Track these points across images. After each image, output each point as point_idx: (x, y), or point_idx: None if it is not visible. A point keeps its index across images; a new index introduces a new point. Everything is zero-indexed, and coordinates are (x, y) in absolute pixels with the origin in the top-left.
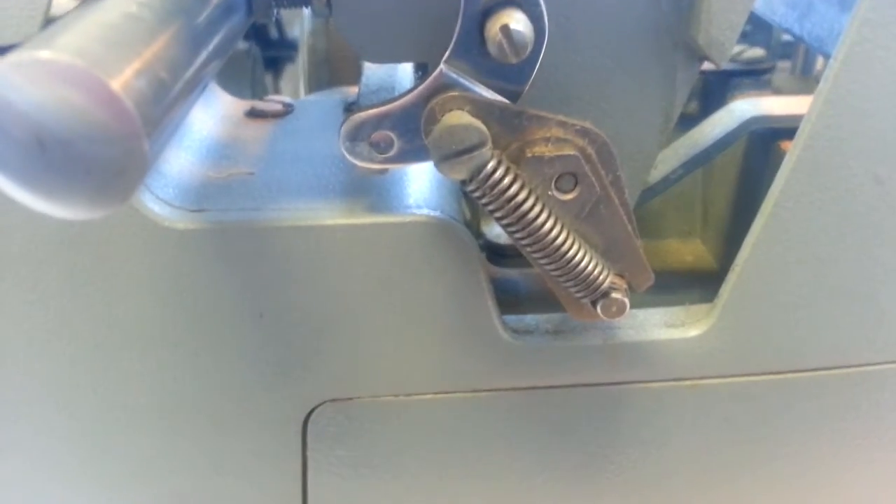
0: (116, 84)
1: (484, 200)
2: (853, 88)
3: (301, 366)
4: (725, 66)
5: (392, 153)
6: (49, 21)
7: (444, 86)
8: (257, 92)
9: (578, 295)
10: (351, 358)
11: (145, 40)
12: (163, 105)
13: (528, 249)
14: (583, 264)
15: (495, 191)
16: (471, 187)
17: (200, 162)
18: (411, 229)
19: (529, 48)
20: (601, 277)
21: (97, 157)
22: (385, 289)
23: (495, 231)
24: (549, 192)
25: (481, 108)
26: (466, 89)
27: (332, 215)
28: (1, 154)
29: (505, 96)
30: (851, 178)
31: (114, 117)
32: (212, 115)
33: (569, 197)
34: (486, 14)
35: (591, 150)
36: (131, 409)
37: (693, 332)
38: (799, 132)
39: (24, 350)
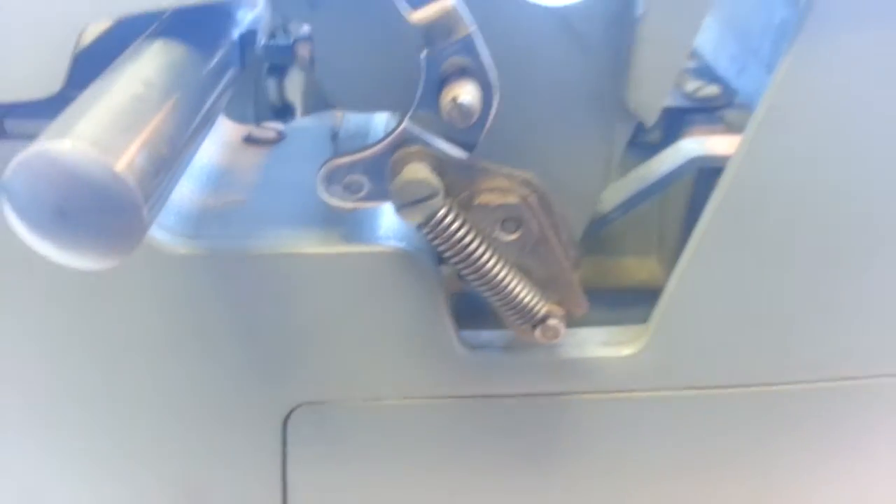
0: (122, 167)
1: (435, 242)
2: (771, 141)
3: (281, 372)
4: (683, 103)
5: (362, 194)
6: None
7: (407, 139)
8: (260, 100)
9: (518, 322)
10: (325, 366)
11: (148, 121)
12: (161, 176)
13: (475, 284)
14: (521, 296)
15: (445, 234)
16: (424, 231)
17: (200, 189)
18: (379, 259)
19: (476, 116)
20: (538, 307)
21: (105, 224)
22: (356, 309)
23: None
24: (495, 234)
25: (437, 161)
26: (426, 143)
27: (310, 244)
28: (31, 219)
29: (460, 148)
30: (769, 220)
31: (119, 194)
32: (213, 140)
33: (512, 238)
34: (444, 81)
35: (532, 199)
36: (133, 408)
37: (627, 350)
38: (723, 177)
39: (39, 358)
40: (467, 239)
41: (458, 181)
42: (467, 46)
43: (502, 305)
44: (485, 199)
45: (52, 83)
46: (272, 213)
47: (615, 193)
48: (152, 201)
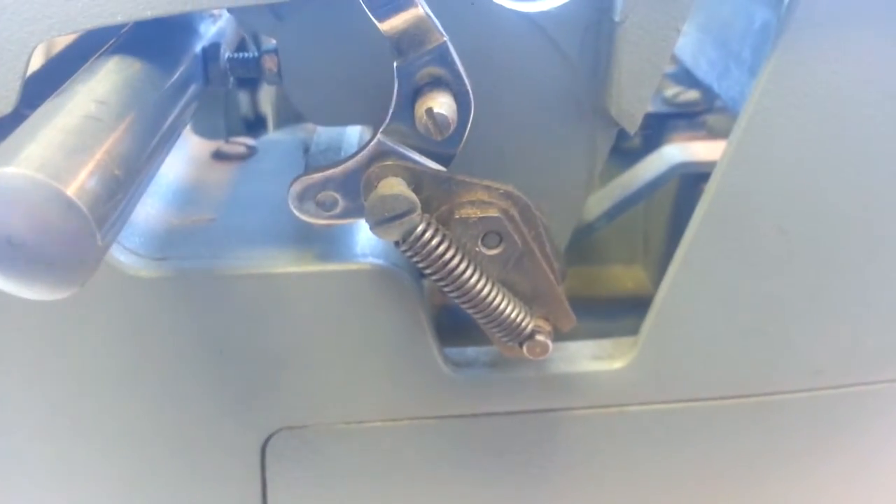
0: (72, 191)
1: (414, 259)
2: (757, 147)
3: (258, 396)
4: (663, 108)
5: (336, 211)
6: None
7: (382, 153)
8: (231, 114)
9: (504, 339)
10: (304, 389)
11: (101, 142)
12: (117, 199)
13: (458, 301)
14: (506, 313)
15: (424, 251)
16: (402, 248)
17: (166, 208)
18: (356, 277)
19: (453, 127)
20: (524, 323)
21: (57, 252)
22: (334, 329)
23: None
24: (477, 249)
25: (413, 175)
26: (401, 157)
27: (284, 263)
28: None
29: (437, 161)
30: (757, 228)
31: (70, 221)
32: (180, 157)
33: (494, 252)
34: (417, 92)
35: (513, 211)
36: (105, 436)
37: (618, 363)
38: (708, 185)
39: (5, 388)
40: (448, 255)
41: (435, 196)
42: (441, 56)
43: (487, 323)
44: (464, 213)
45: (2, 104)
46: (243, 231)
47: (599, 202)
48: (107, 227)
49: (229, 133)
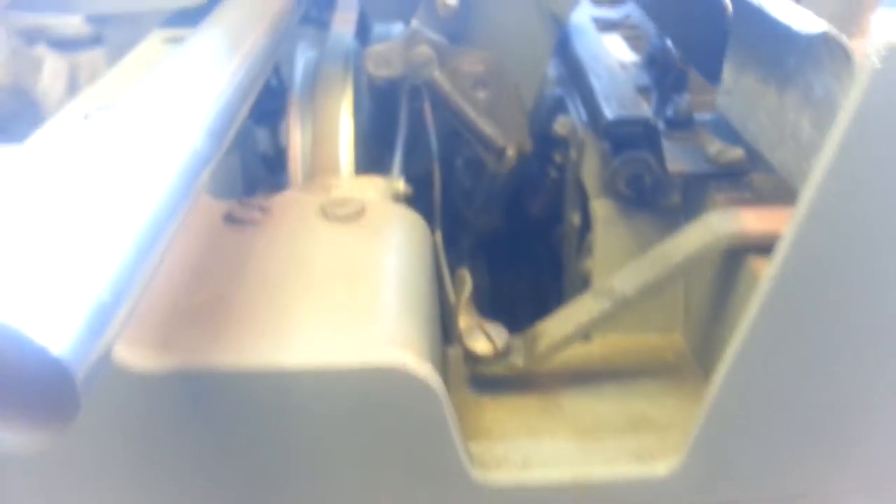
0: (57, 348)
1: (434, 95)
2: (821, 234)
3: (266, 499)
4: (706, 168)
5: (388, 71)
6: None
7: (415, 32)
8: (248, 158)
9: (487, 149)
10: (317, 495)
11: (89, 265)
12: (103, 331)
13: (458, 121)
14: (485, 129)
15: (438, 88)
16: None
17: (171, 286)
18: (375, 375)
19: (457, 11)
20: (497, 138)
21: (32, 399)
22: (350, 430)
23: (474, 339)
24: (470, 91)
25: (433, 45)
26: (426, 35)
27: (297, 358)
28: None
29: (449, 39)
30: (820, 320)
31: (45, 369)
32: (187, 223)
33: (482, 94)
34: None
35: (492, 70)
36: None
37: (662, 466)
38: (766, 276)
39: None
40: (449, 87)
41: (446, 58)
42: None
43: (475, 137)
44: (464, 69)
45: None
46: (252, 315)
47: (638, 272)
48: (88, 369)
49: (246, 177)
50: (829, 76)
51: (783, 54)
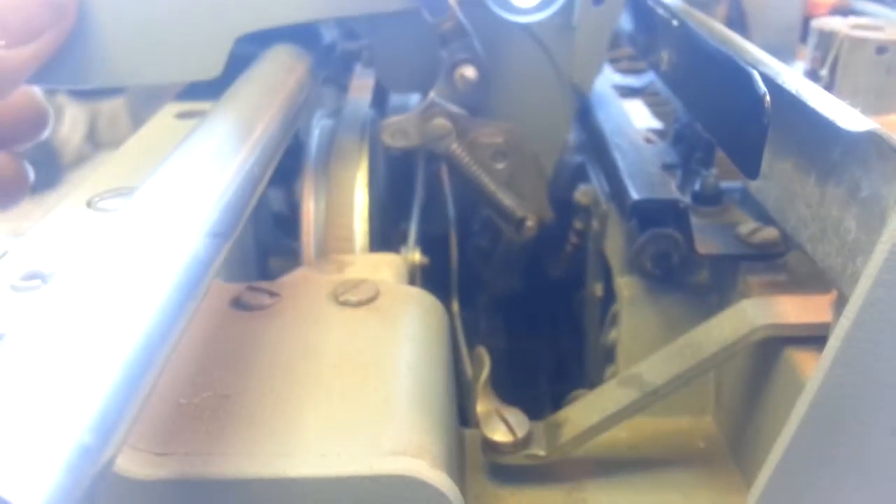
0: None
1: (451, 166)
2: (869, 340)
3: None
4: (738, 250)
5: (405, 142)
6: None
7: (431, 104)
8: (261, 224)
9: (505, 220)
10: None
11: (69, 404)
12: (85, 476)
13: (477, 193)
14: (505, 201)
15: (456, 160)
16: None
17: (175, 379)
18: (389, 484)
19: (475, 84)
20: (516, 209)
21: None
22: None
23: (493, 429)
24: (489, 163)
25: (451, 117)
26: (443, 106)
27: (303, 465)
28: None
29: (468, 111)
30: (867, 431)
31: None
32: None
33: (501, 166)
34: (454, 66)
35: (512, 141)
36: None
37: None
38: (810, 383)
39: None
40: (468, 161)
41: (465, 130)
42: (469, 44)
43: (494, 209)
44: (482, 140)
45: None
46: (259, 415)
47: (667, 363)
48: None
49: (258, 239)
50: (878, 177)
51: (825, 145)
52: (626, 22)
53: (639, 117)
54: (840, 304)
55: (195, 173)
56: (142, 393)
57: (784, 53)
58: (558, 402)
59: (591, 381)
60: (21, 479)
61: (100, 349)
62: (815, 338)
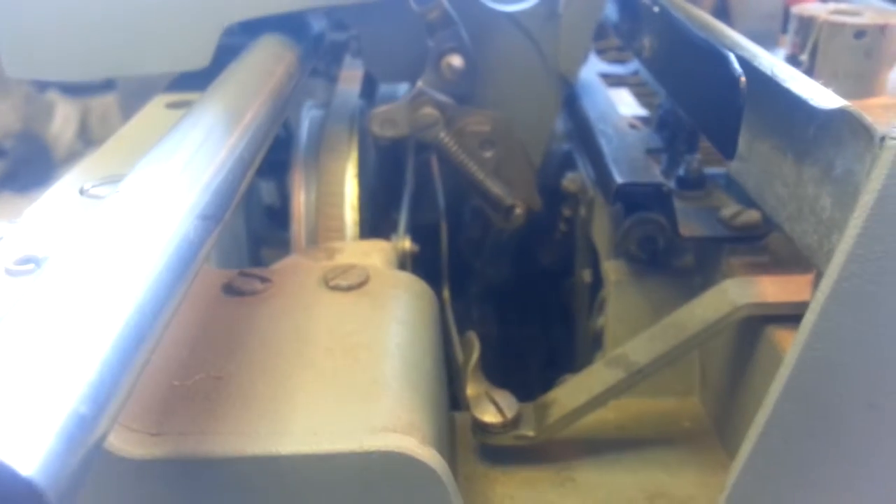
0: (26, 468)
1: (440, 155)
2: (845, 315)
3: None
4: (721, 232)
5: (394, 132)
6: None
7: (420, 93)
8: (253, 212)
9: (494, 208)
10: None
11: (64, 375)
12: (81, 446)
13: (466, 181)
14: (494, 190)
15: (444, 149)
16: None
17: (168, 361)
18: (379, 460)
19: (462, 72)
20: (506, 198)
21: None
22: None
23: (482, 410)
24: (477, 151)
25: (439, 105)
26: (431, 95)
27: (294, 442)
28: None
29: (456, 100)
30: (845, 403)
31: (21, 496)
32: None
33: (489, 154)
34: (441, 55)
35: (500, 129)
36: None
37: None
38: (788, 357)
39: None
40: (456, 149)
41: (453, 118)
42: (456, 33)
43: (482, 197)
44: (470, 129)
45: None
46: (252, 396)
47: (650, 342)
48: (64, 487)
49: (250, 230)
50: (851, 155)
51: (800, 125)
52: (611, 12)
53: (624, 105)
54: (817, 280)
55: (185, 159)
56: (135, 368)
57: (766, 41)
58: (548, 388)
59: (581, 366)
60: (20, 444)
61: (93, 326)
62: (795, 316)
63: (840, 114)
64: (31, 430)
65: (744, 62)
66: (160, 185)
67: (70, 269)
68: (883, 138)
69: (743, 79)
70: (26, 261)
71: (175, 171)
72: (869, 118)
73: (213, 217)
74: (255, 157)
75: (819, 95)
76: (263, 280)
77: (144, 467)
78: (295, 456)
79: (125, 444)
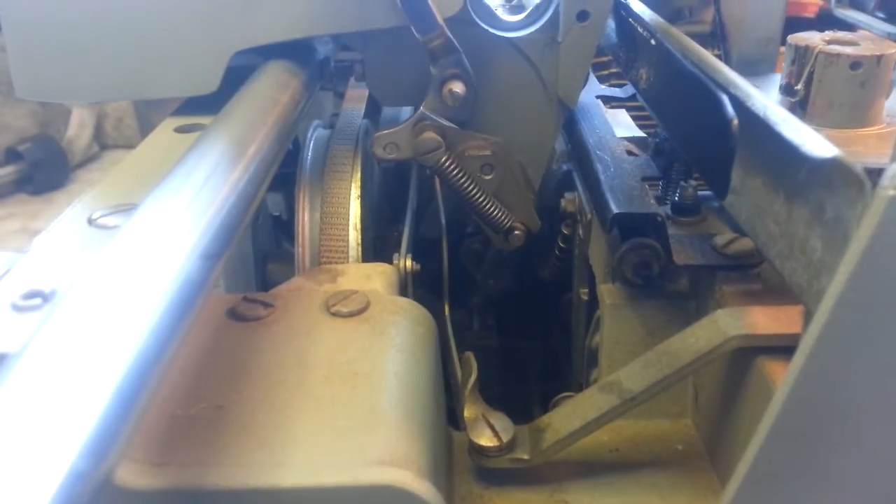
0: None
1: (441, 178)
2: (834, 355)
3: None
4: (714, 261)
5: (395, 154)
6: None
7: (422, 118)
8: (261, 225)
9: (494, 230)
10: None
11: (63, 430)
12: (82, 497)
13: (467, 206)
14: (494, 212)
15: (448, 174)
16: (434, 171)
17: (171, 390)
18: (375, 494)
19: (464, 99)
20: (504, 219)
21: None
22: None
23: (478, 433)
24: (479, 175)
25: (440, 130)
26: (433, 120)
27: (292, 475)
28: None
29: (457, 125)
30: (832, 441)
31: None
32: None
33: (489, 177)
34: (444, 82)
35: (500, 153)
36: None
37: None
38: (777, 395)
39: None
40: (458, 173)
41: (454, 143)
42: (457, 60)
43: (483, 219)
44: (471, 152)
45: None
46: (252, 426)
47: (645, 371)
48: None
49: (257, 248)
50: (842, 201)
51: (792, 167)
52: (612, 39)
53: (623, 127)
54: (807, 318)
55: (190, 195)
56: (135, 415)
57: (763, 65)
58: (547, 399)
59: (578, 381)
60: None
61: (94, 374)
62: (786, 347)
63: (832, 163)
64: (30, 486)
65: (737, 102)
66: (164, 225)
67: (74, 311)
68: (874, 187)
69: (735, 122)
70: (33, 295)
71: (180, 209)
72: (859, 166)
73: (215, 255)
74: (259, 191)
75: (811, 141)
76: (266, 305)
77: (147, 498)
78: (293, 489)
79: (129, 474)
